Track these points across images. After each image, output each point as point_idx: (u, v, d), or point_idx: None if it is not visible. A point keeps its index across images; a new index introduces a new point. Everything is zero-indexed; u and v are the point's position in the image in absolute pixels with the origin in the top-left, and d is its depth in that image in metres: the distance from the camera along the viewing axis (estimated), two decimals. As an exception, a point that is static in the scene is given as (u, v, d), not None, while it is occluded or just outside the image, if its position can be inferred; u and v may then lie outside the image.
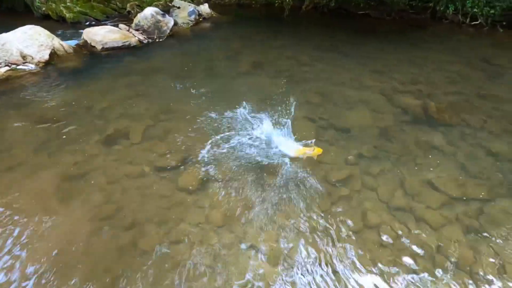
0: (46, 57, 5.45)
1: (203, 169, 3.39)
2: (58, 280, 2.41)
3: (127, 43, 6.10)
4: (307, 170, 3.40)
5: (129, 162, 3.52)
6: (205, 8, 8.08)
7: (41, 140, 3.81)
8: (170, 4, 8.65)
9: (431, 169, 3.40)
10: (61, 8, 8.26)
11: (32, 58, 5.33)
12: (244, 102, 4.44)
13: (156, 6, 8.51)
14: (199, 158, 3.52)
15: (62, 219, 2.89)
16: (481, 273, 2.44)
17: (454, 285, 2.37)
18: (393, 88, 4.83)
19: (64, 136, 3.87)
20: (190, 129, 3.96)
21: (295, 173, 3.37)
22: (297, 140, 3.70)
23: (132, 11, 8.80)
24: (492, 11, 6.94)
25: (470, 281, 2.39)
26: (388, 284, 2.40)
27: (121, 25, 6.77)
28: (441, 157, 3.54)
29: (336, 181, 3.29)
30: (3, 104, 4.52)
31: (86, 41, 6.16)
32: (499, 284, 2.37)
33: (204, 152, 3.60)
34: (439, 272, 2.46)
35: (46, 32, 5.74)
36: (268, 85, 4.96)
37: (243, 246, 2.68)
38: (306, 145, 3.57)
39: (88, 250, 2.63)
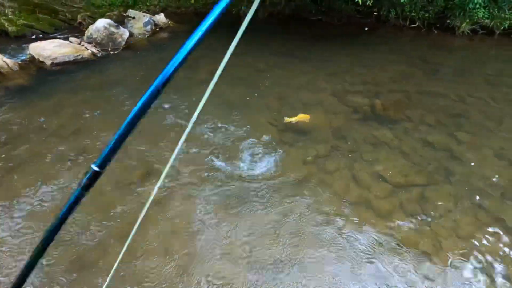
0: (-12, 75, 5.09)
1: (166, 181, 3.40)
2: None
3: (79, 57, 5.87)
4: (267, 173, 3.56)
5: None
6: (161, 18, 8.01)
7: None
8: (124, 15, 8.46)
9: (380, 162, 3.73)
10: (2, 21, 7.70)
11: (-29, 78, 4.94)
12: (203, 113, 4.52)
13: (110, 17, 8.26)
14: (160, 173, 3.53)
15: (16, 248, 2.75)
16: (423, 250, 2.75)
17: (401, 264, 2.65)
18: (344, 89, 5.19)
19: (15, 159, 3.66)
20: (151, 143, 3.95)
21: (256, 176, 3.52)
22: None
23: (84, 23, 8.44)
24: (426, 15, 7.70)
25: (413, 259, 2.69)
26: (347, 273, 2.61)
27: (71, 38, 6.50)
28: (388, 151, 3.89)
29: (295, 180, 3.48)
30: None
31: (33, 57, 5.83)
32: (438, 259, 2.70)
33: (165, 165, 3.60)
34: (388, 254, 2.73)
35: (-14, 48, 5.35)
36: (228, 93, 5.08)
37: (208, 251, 2.75)
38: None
39: (48, 274, 2.54)
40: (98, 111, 4.53)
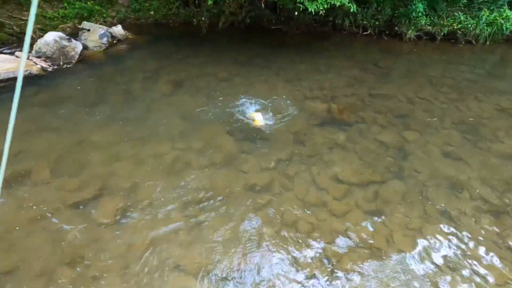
0: None
1: (121, 199, 3.28)
2: None
3: (26, 72, 5.51)
4: (228, 181, 3.56)
5: (34, 205, 3.19)
6: (118, 30, 7.78)
7: None
8: (79, 27, 8.11)
9: (336, 164, 3.88)
10: None
11: None
12: (163, 124, 4.44)
13: (63, 29, 7.88)
14: (115, 189, 3.39)
15: None
16: (376, 244, 2.89)
17: (356, 259, 2.75)
18: (303, 95, 5.36)
19: None
20: (104, 160, 3.78)
21: (218, 186, 3.49)
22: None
23: (34, 36, 7.98)
24: (377, 23, 8.25)
25: (369, 253, 2.81)
26: (305, 272, 2.66)
27: (18, 53, 6.10)
28: (344, 152, 4.07)
29: (257, 187, 3.51)
30: None
31: (-27, 74, 5.38)
32: (389, 250, 2.84)
33: (121, 181, 3.48)
34: (344, 250, 2.83)
35: None
36: (189, 103, 5.03)
37: (168, 267, 2.67)
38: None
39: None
40: (47, 129, 4.27)
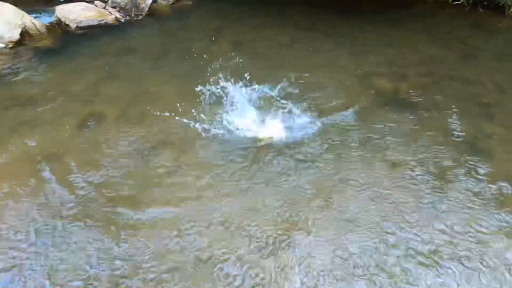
0: (17, 36, 5.26)
1: (176, 153, 3.50)
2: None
3: (103, 22, 5.90)
4: (279, 151, 3.53)
5: (105, 144, 3.58)
6: (186, -16, 7.77)
7: (12, 123, 3.81)
8: (149, -21, 8.28)
9: (396, 150, 3.57)
10: (33, -18, 7.81)
11: (1, 38, 5.15)
12: (220, 85, 4.47)
13: (135, -19, 8.12)
14: (171, 142, 3.61)
15: (32, 202, 2.97)
16: (434, 249, 2.69)
17: (409, 261, 2.62)
18: (369, 70, 4.90)
19: (36, 119, 3.87)
20: (163, 113, 3.98)
21: (269, 153, 3.49)
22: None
23: (110, -14, 8.39)
24: (474, -10, 6.92)
25: (418, 255, 2.64)
26: (345, 260, 2.63)
27: (97, 2, 6.51)
28: (407, 138, 3.70)
29: (307, 163, 3.43)
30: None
31: (60, 19, 5.93)
32: (450, 254, 2.63)
33: (177, 136, 3.68)
34: (396, 250, 2.70)
35: (15, 8, 5.49)
36: (247, 67, 4.93)
37: (214, 222, 2.84)
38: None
39: (65, 231, 2.76)
40: (117, 77, 4.62)
